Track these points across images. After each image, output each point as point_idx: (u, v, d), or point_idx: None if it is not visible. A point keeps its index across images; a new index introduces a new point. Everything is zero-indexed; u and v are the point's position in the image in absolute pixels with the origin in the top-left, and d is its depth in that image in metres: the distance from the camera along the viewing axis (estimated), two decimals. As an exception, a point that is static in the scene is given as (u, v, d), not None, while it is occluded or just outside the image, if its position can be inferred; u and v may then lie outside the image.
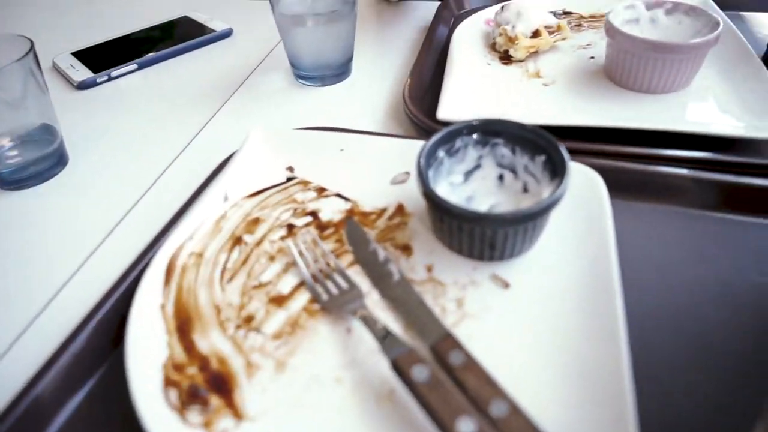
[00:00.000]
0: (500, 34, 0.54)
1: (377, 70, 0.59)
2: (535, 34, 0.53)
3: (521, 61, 0.54)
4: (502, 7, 0.56)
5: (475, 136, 0.37)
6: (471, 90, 0.49)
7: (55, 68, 0.63)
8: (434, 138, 0.35)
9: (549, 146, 0.34)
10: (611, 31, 0.48)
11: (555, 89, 0.50)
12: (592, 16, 0.61)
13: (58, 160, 0.48)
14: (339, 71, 0.57)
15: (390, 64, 0.59)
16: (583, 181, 0.37)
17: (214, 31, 0.67)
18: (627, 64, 0.48)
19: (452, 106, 0.46)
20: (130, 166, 0.48)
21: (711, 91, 0.47)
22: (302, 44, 0.54)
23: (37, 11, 0.80)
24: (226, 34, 0.68)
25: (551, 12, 0.62)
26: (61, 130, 0.48)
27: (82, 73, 0.60)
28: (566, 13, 0.62)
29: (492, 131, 0.36)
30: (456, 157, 0.37)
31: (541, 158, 0.35)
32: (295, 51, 0.55)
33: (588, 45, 0.56)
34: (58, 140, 0.48)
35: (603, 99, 0.48)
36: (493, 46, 0.55)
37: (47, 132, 0.47)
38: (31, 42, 0.44)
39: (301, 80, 0.57)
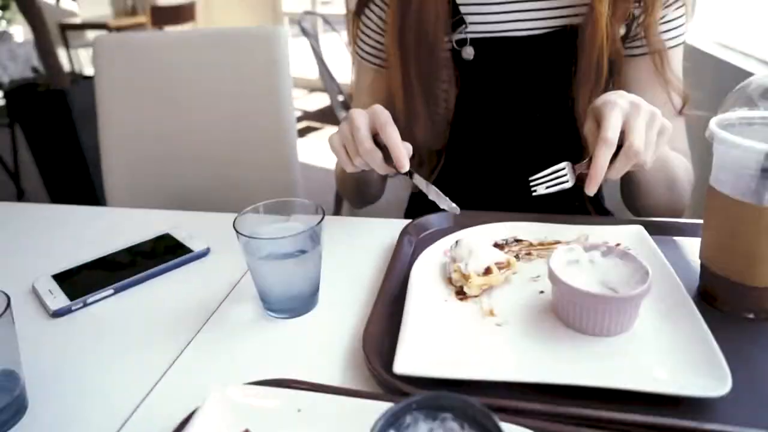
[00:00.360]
0: (455, 271, 0.58)
1: (343, 297, 0.62)
2: (487, 271, 0.58)
3: (476, 296, 0.57)
4: (457, 242, 0.61)
5: (423, 410, 0.38)
6: (428, 336, 0.52)
7: (34, 292, 0.66)
8: (381, 421, 0.36)
9: (493, 428, 0.36)
10: (552, 277, 0.52)
11: (507, 330, 0.53)
12: (540, 244, 0.67)
13: (15, 411, 0.48)
14: (305, 303, 0.60)
15: (356, 287, 0.63)
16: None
17: (192, 251, 0.72)
18: (569, 308, 0.51)
19: (408, 359, 0.48)
20: (91, 415, 0.48)
21: (651, 336, 0.50)
22: (270, 282, 0.58)
23: (22, 228, 0.85)
24: (203, 254, 0.72)
25: (503, 240, 0.67)
26: (24, 374, 0.49)
27: (58, 300, 0.63)
28: (517, 241, 0.67)
29: (439, 406, 0.38)
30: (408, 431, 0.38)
31: (486, 439, 0.36)
32: (263, 288, 0.59)
33: (537, 277, 0.60)
34: (19, 388, 0.48)
35: (552, 342, 0.51)
36: (450, 280, 0.60)
37: (8, 379, 0.48)
38: (8, 299, 0.47)
39: (269, 312, 0.60)
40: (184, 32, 1.55)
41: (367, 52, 0.91)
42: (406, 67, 0.85)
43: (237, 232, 0.55)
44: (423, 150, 0.94)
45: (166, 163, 1.24)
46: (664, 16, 0.80)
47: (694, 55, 1.17)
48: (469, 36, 0.84)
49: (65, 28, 5.26)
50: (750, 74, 0.56)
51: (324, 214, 0.57)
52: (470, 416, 0.37)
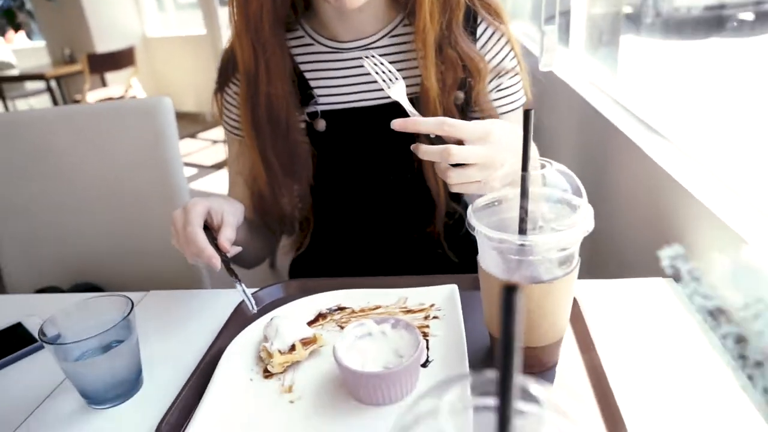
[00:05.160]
0: (262, 350, 0.63)
1: (170, 377, 0.65)
2: (292, 348, 0.62)
3: (281, 373, 0.61)
4: (271, 320, 0.65)
5: None
6: (220, 418, 0.55)
7: None
8: None
9: None
10: (337, 359, 0.57)
11: (298, 406, 0.57)
12: (362, 310, 0.71)
13: None
14: (128, 389, 0.63)
15: (184, 364, 0.66)
16: None
17: (36, 341, 0.74)
18: (349, 384, 0.56)
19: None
20: None
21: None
22: (89, 380, 0.61)
23: None
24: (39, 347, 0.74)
25: (328, 309, 0.72)
26: None
27: None
28: (340, 309, 0.72)
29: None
30: None
31: None
32: (83, 386, 0.61)
33: (346, 348, 0.65)
34: None
35: (341, 414, 0.55)
36: (260, 359, 0.64)
37: None
38: None
39: (92, 405, 0.62)
40: (67, 108, 1.56)
41: (231, 126, 0.96)
42: (261, 142, 0.89)
43: (42, 340, 0.58)
44: (293, 217, 0.98)
45: (62, 238, 1.25)
46: (499, 85, 0.87)
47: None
48: (320, 108, 0.89)
49: (2, 80, 5.21)
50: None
51: (133, 305, 0.61)
52: None
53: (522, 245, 0.51)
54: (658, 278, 0.75)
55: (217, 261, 0.69)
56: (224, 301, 0.78)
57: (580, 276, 0.57)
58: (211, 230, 0.74)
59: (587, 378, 0.58)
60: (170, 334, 0.72)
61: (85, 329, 0.60)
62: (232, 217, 0.77)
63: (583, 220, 0.52)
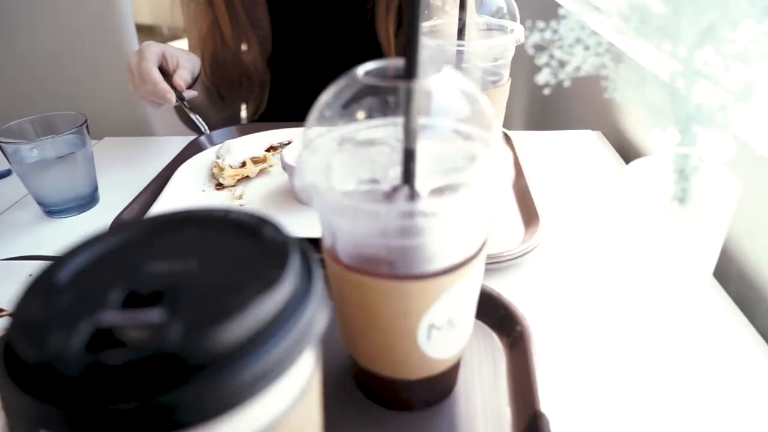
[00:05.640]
0: (215, 166, 0.66)
1: (124, 197, 0.68)
2: (243, 164, 0.66)
3: (233, 186, 0.65)
4: (223, 143, 0.69)
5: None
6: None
7: None
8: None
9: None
10: (283, 164, 0.61)
11: (248, 209, 0.61)
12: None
13: None
14: (85, 202, 0.66)
15: (138, 186, 0.69)
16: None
17: (-4, 170, 0.75)
18: (291, 178, 0.61)
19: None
20: None
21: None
22: (44, 186, 0.63)
23: None
24: (5, 174, 0.76)
25: (279, 142, 0.75)
26: None
27: None
28: (291, 143, 0.75)
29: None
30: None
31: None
32: (38, 193, 0.64)
33: (294, 169, 0.69)
34: None
35: (283, 212, 0.60)
36: (212, 175, 0.67)
37: None
38: None
39: (50, 215, 0.65)
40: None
41: None
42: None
43: (2, 142, 0.60)
44: (252, 73, 0.99)
45: (11, 101, 1.23)
46: None
47: None
48: None
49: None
50: None
51: (86, 120, 0.63)
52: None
53: (459, 50, 0.55)
54: (587, 131, 0.81)
55: (171, 96, 0.71)
56: (180, 145, 0.80)
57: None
58: (166, 74, 0.75)
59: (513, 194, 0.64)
60: (125, 173, 0.74)
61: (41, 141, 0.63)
62: (188, 63, 0.78)
63: (517, 31, 0.56)
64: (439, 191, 0.29)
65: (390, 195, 0.29)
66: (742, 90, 0.27)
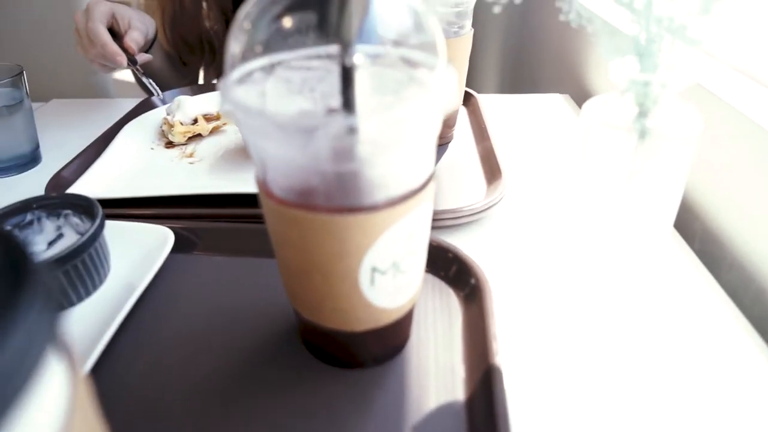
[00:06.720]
0: (164, 122, 0.62)
1: (72, 155, 0.64)
2: (195, 121, 0.62)
3: (183, 144, 0.62)
4: (174, 100, 0.65)
5: (45, 209, 0.42)
6: (116, 170, 0.56)
7: None
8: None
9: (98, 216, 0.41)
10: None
11: (198, 167, 0.58)
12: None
13: None
14: (25, 161, 0.62)
15: (83, 144, 0.65)
16: (157, 238, 0.44)
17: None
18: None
19: (87, 184, 0.52)
20: None
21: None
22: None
23: None
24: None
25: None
26: None
27: None
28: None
29: (59, 204, 0.43)
30: (31, 229, 0.42)
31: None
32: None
33: (251, 129, 0.65)
34: None
35: (233, 170, 0.56)
36: (162, 133, 0.63)
37: None
38: None
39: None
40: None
41: None
42: None
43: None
44: (211, 33, 0.95)
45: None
46: None
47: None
48: None
49: None
50: None
51: (23, 70, 0.59)
52: (87, 210, 0.42)
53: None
54: (555, 94, 0.79)
55: (122, 58, 0.67)
56: (129, 109, 0.76)
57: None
58: (117, 36, 0.70)
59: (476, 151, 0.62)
60: (71, 133, 0.70)
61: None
62: (140, 24, 0.73)
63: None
64: (380, 116, 0.27)
65: (326, 116, 0.27)
66: (702, 4, 0.25)
